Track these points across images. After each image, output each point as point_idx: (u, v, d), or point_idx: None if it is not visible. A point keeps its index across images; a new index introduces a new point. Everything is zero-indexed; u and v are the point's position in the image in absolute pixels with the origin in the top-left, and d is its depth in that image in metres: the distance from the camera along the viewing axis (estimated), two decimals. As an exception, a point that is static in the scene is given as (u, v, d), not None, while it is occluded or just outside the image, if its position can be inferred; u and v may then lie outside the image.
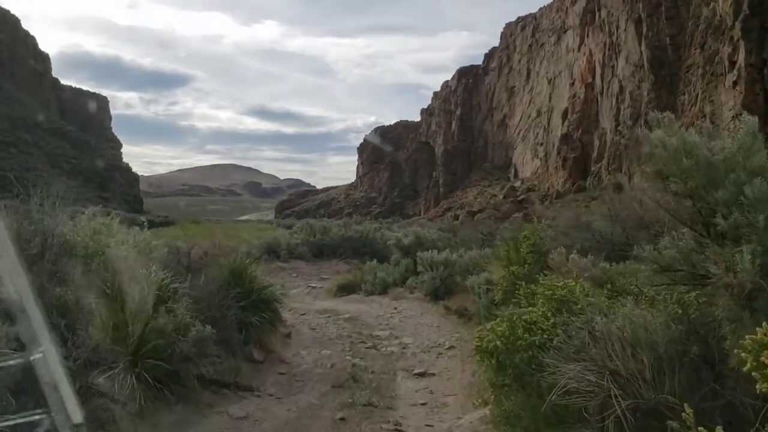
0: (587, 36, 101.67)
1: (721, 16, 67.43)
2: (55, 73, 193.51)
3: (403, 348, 10.46)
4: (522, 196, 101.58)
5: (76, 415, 1.82)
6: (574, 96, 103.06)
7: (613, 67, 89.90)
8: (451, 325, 12.13)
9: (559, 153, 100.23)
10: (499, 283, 9.32)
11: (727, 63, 53.59)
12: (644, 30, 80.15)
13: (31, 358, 1.73)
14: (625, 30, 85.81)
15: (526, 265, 8.94)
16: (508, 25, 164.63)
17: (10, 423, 1.89)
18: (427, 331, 11.82)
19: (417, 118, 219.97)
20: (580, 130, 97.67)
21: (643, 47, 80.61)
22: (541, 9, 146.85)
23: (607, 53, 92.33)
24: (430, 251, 14.96)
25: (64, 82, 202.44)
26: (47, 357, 1.75)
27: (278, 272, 21.06)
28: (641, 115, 79.76)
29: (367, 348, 10.41)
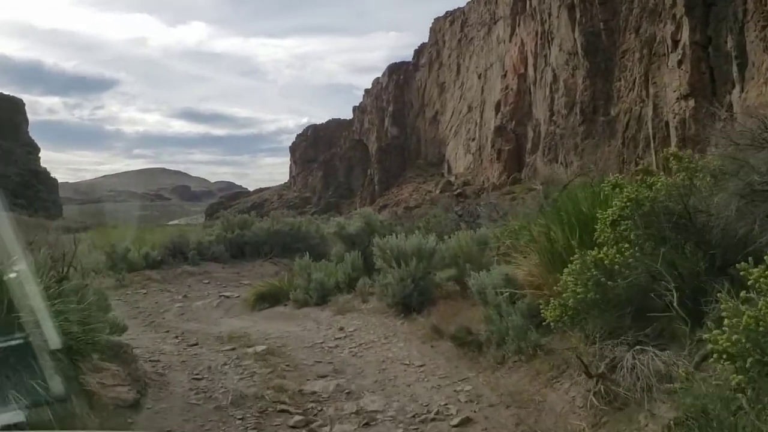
0: (518, 26, 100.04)
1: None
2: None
3: (367, 427, 5.53)
4: (458, 190, 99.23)
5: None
6: (506, 88, 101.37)
7: (546, 56, 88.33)
8: (447, 363, 7.15)
9: (493, 146, 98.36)
10: (556, 284, 5.34)
11: (669, 42, 52.03)
12: (578, 16, 78.59)
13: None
14: (558, 17, 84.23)
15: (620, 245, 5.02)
16: (437, 20, 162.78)
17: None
18: (406, 378, 6.83)
19: (350, 117, 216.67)
20: (513, 122, 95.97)
21: (576, 34, 79.09)
22: (469, 3, 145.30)
23: (539, 42, 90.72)
24: (391, 237, 10.55)
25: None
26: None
27: (184, 279, 17.23)
28: (576, 103, 78.42)
29: (290, 434, 5.62)
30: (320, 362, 7.73)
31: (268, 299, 12.74)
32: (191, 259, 18.35)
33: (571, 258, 4.92)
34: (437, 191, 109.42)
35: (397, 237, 10.28)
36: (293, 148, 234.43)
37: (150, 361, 7.12)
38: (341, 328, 9.56)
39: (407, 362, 7.38)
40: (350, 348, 8.37)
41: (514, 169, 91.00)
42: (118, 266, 17.52)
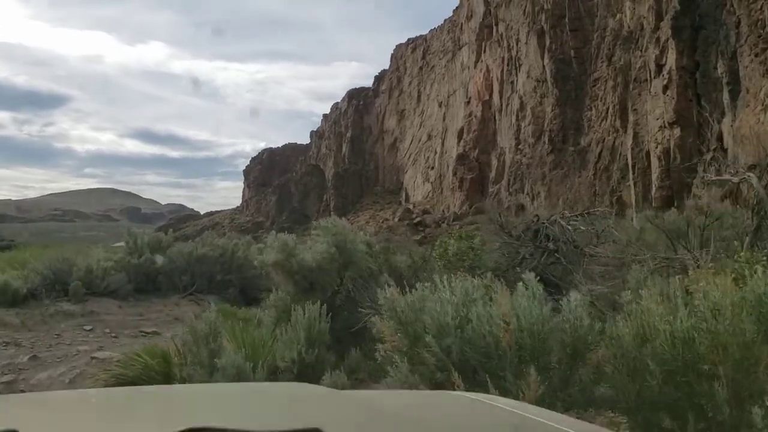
0: (484, 52, 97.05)
1: (629, 27, 63.60)
2: None
3: None
4: (418, 219, 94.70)
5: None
6: (470, 115, 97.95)
7: (512, 82, 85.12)
8: None
9: (455, 174, 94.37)
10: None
11: (653, 67, 48.54)
12: (547, 43, 75.64)
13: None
14: (526, 43, 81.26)
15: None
16: (398, 47, 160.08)
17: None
18: None
19: (307, 142, 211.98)
20: (477, 150, 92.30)
21: (546, 61, 76.05)
22: (431, 31, 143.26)
23: (506, 69, 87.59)
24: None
25: None
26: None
27: (55, 324, 11.80)
28: (544, 131, 75.03)
29: None
30: None
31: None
32: (73, 293, 12.87)
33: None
34: (395, 219, 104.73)
35: (417, 279, 5.02)
36: (247, 172, 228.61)
37: None
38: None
39: None
40: None
41: (476, 198, 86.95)
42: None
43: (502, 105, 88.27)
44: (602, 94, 67.67)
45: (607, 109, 65.17)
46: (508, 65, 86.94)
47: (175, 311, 14.02)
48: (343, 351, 5.42)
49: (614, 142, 62.31)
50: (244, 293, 15.43)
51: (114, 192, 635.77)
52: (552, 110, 73.84)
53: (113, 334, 11.70)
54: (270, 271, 8.02)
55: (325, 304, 5.31)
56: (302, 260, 6.22)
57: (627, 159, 57.34)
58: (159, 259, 14.79)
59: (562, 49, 74.72)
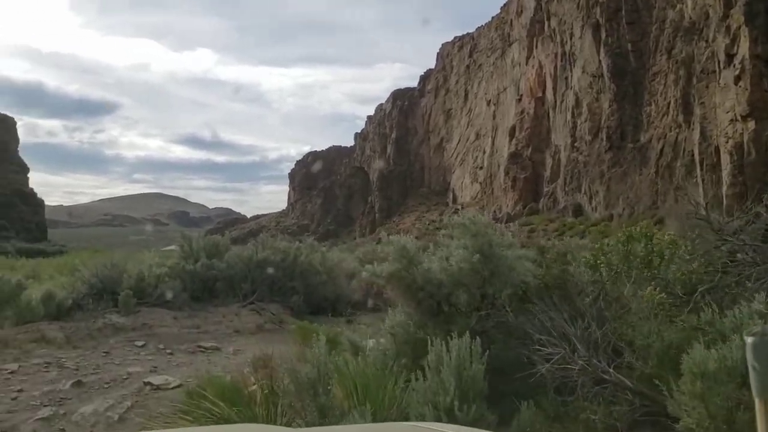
0: (536, 47, 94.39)
1: (691, 17, 60.64)
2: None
3: None
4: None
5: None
6: (522, 112, 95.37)
7: (567, 78, 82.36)
8: None
9: (507, 173, 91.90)
10: None
11: (722, 58, 45.68)
12: (603, 36, 72.86)
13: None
14: (580, 38, 78.47)
15: None
16: (445, 46, 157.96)
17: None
18: None
19: (351, 145, 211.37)
20: (530, 148, 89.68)
21: (602, 55, 73.27)
22: (478, 29, 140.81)
23: (559, 64, 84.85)
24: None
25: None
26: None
27: (103, 339, 10.39)
28: (601, 128, 72.27)
29: None
30: None
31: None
32: (123, 303, 11.49)
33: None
34: (444, 221, 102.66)
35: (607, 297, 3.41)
36: (292, 175, 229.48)
37: None
38: None
39: None
40: None
41: (530, 198, 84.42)
42: (1, 314, 10.80)
43: (556, 101, 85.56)
44: (662, 88, 64.79)
45: (669, 103, 62.29)
46: (561, 61, 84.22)
47: (235, 322, 12.54)
48: (503, 405, 3.70)
49: (677, 138, 59.38)
50: (308, 301, 13.91)
51: (162, 197, 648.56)
52: (609, 106, 71.06)
53: (168, 350, 10.25)
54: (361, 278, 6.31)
55: (477, 337, 3.59)
56: (428, 271, 4.53)
57: (693, 155, 54.49)
58: (217, 265, 13.34)
59: (619, 42, 71.89)
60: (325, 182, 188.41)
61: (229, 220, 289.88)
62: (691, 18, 60.35)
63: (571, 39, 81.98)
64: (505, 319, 4.07)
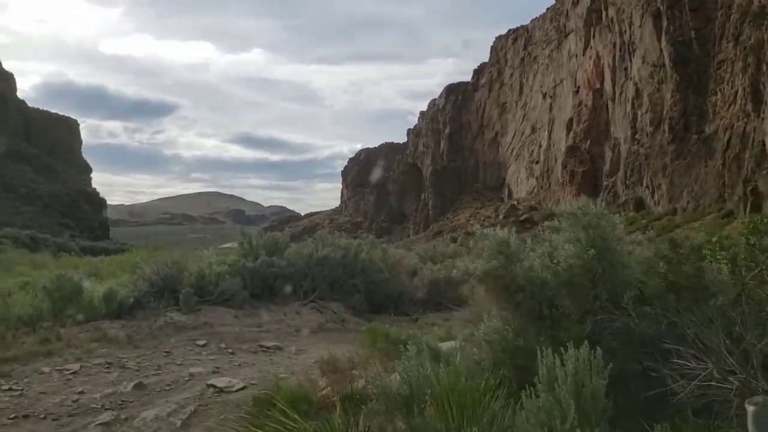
0: (593, 38, 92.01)
1: (761, 1, 58.15)
2: (37, 102, 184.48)
3: None
4: (524, 216, 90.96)
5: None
6: (579, 105, 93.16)
7: (626, 69, 79.94)
8: None
9: (565, 167, 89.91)
10: None
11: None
12: (664, 25, 70.36)
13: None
14: (640, 26, 76.02)
15: None
16: (498, 39, 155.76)
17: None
18: None
19: (403, 141, 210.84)
20: (588, 141, 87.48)
21: (663, 44, 70.79)
22: (533, 21, 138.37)
23: (618, 55, 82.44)
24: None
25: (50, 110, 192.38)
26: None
27: (164, 338, 10.15)
28: (664, 119, 69.86)
29: None
30: None
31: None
32: (184, 301, 11.26)
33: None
34: (500, 216, 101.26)
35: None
36: (345, 173, 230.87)
37: None
38: None
39: None
40: None
41: (589, 193, 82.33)
42: (64, 312, 10.68)
43: (615, 93, 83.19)
44: (729, 76, 62.18)
45: (736, 92, 59.73)
46: (620, 51, 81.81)
47: (296, 321, 12.21)
48: (628, 428, 3.07)
49: (745, 128, 56.87)
50: (370, 300, 13.46)
51: (219, 195, 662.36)
52: (672, 96, 68.61)
53: (229, 350, 9.95)
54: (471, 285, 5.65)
55: (596, 346, 2.98)
56: (530, 270, 3.94)
57: (763, 145, 52.14)
58: (277, 262, 13.01)
59: (682, 30, 69.27)
60: (377, 179, 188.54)
61: (283, 217, 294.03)
62: (760, 2, 57.79)
63: (630, 28, 79.53)
64: (624, 325, 3.47)
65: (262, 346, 10.35)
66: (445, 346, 6.40)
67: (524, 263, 4.04)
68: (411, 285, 14.24)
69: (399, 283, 13.99)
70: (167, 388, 7.55)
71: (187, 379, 7.95)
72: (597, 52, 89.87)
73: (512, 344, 3.78)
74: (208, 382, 7.56)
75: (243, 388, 7.37)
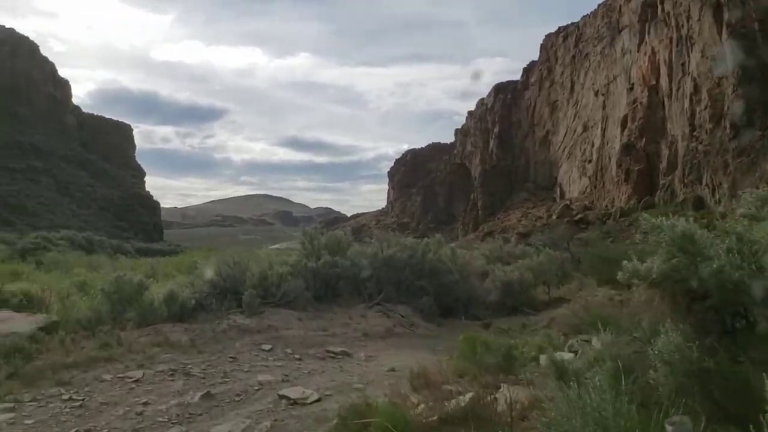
0: (648, 33, 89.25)
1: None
2: (93, 108, 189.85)
3: None
4: (579, 216, 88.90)
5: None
6: (634, 102, 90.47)
7: (683, 64, 77.19)
8: None
9: (619, 166, 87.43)
10: None
11: None
12: (725, 17, 67.63)
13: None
14: (699, 20, 73.29)
15: None
16: (548, 37, 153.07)
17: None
18: None
19: (450, 141, 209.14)
20: (644, 139, 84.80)
21: (724, 37, 68.06)
22: (584, 18, 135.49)
23: (674, 50, 79.70)
24: None
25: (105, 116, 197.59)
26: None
27: (228, 342, 9.63)
28: (724, 115, 67.15)
29: None
30: None
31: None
32: (248, 304, 10.73)
33: None
34: (553, 216, 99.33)
35: None
36: (391, 174, 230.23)
37: None
38: None
39: None
40: None
41: (645, 192, 79.95)
42: (123, 315, 10.26)
43: (671, 89, 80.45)
44: (798, 69, 59.50)
45: (805, 85, 57.11)
46: (677, 46, 79.07)
47: (362, 325, 11.57)
48: None
49: (814, 123, 54.27)
50: (438, 303, 12.73)
51: (267, 197, 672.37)
52: (733, 91, 65.90)
53: (296, 356, 9.38)
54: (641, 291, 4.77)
55: None
56: (720, 271, 3.08)
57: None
58: (340, 262, 12.40)
59: (743, 22, 66.49)
60: (424, 180, 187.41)
61: (329, 219, 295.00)
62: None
63: (688, 22, 76.76)
64: None
65: (329, 351, 9.77)
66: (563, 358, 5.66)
67: (713, 263, 3.22)
68: (482, 287, 13.45)
69: (469, 286, 13.21)
70: (236, 398, 6.98)
71: (256, 388, 7.38)
72: (652, 48, 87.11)
73: (696, 365, 2.97)
74: (280, 393, 6.96)
75: (318, 400, 6.76)
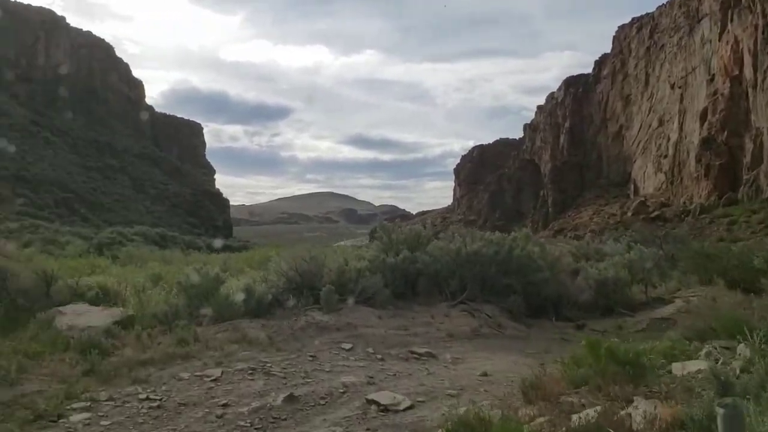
0: (731, 21, 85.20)
1: None
2: (165, 108, 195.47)
3: None
4: (655, 213, 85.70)
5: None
6: (714, 93, 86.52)
7: (769, 53, 73.41)
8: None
9: (699, 160, 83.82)
10: None
11: None
12: (817, 1, 63.88)
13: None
14: (788, 4, 69.53)
15: None
16: (621, 28, 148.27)
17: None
18: None
19: (518, 137, 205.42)
20: (725, 133, 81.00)
21: (815, 22, 64.32)
22: (659, 8, 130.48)
23: (760, 38, 75.80)
24: None
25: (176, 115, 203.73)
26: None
27: (306, 340, 9.15)
28: (816, 106, 63.46)
29: None
30: None
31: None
32: (325, 300, 10.24)
33: None
34: (628, 214, 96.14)
35: None
36: (458, 170, 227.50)
37: None
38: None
39: None
40: None
41: (726, 188, 76.32)
42: (200, 310, 9.92)
43: (756, 79, 76.54)
44: None
45: None
46: (763, 33, 75.16)
47: (446, 324, 10.90)
48: None
49: None
50: (527, 302, 11.93)
51: (332, 195, 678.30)
52: (826, 80, 62.20)
53: (378, 356, 8.81)
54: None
55: None
56: None
57: None
58: (421, 258, 11.76)
59: (838, 6, 62.68)
60: (492, 176, 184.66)
61: (394, 216, 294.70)
62: None
63: (775, 8, 72.99)
64: None
65: (413, 352, 9.15)
66: (692, 366, 4.88)
67: None
68: (573, 286, 12.58)
69: (560, 284, 12.37)
70: (321, 401, 6.45)
71: (341, 391, 6.83)
72: (735, 37, 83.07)
73: None
74: (368, 397, 6.38)
75: (410, 407, 6.14)
